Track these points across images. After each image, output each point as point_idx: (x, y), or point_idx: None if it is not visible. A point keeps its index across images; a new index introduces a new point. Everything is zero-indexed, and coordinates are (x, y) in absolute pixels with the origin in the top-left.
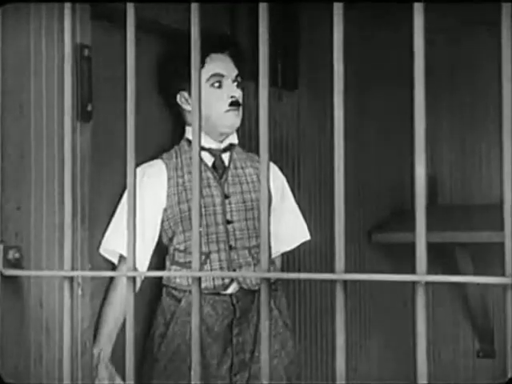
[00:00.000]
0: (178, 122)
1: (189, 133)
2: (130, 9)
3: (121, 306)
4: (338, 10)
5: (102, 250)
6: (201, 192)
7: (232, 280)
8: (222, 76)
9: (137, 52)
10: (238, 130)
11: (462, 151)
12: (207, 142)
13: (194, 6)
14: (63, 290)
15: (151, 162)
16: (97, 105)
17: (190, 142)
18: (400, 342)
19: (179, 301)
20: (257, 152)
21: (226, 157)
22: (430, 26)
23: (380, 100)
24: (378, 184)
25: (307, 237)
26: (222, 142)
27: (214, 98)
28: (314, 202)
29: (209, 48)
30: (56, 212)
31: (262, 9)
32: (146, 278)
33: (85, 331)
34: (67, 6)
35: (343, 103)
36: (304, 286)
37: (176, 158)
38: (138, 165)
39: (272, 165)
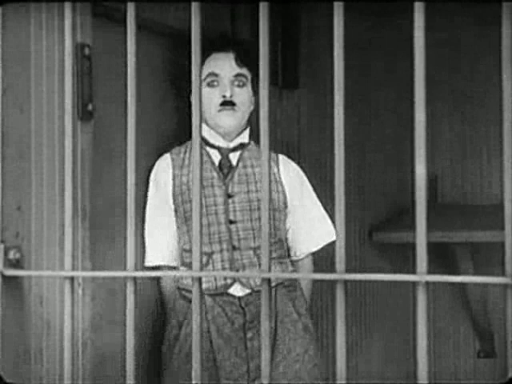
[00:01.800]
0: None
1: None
2: (131, 8)
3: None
4: (338, 9)
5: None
6: (202, 191)
7: (234, 280)
8: (217, 75)
9: (138, 51)
10: (251, 128)
11: (462, 151)
12: (216, 140)
13: (195, 5)
14: (64, 290)
15: (162, 157)
16: (98, 104)
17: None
18: (400, 342)
19: (191, 302)
20: None
21: (234, 156)
22: (431, 25)
23: (380, 100)
24: (378, 183)
25: (334, 237)
26: (231, 141)
27: (209, 97)
28: None
29: (210, 47)
30: (56, 212)
31: (263, 8)
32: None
33: (85, 331)
34: (67, 5)
35: (343, 103)
36: None
37: (184, 153)
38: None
39: (290, 162)
